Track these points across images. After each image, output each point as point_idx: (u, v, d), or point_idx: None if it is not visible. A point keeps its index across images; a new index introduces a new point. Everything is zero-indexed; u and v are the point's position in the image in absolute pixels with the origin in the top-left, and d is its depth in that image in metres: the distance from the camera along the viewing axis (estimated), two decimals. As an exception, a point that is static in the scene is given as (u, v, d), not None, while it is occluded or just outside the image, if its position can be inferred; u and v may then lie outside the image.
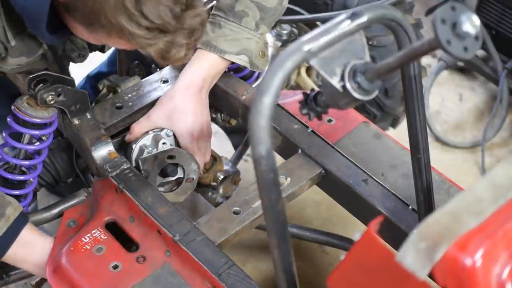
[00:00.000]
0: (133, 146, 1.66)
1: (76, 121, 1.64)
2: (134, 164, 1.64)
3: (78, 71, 2.23)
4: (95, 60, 2.23)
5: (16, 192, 1.61)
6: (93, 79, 2.27)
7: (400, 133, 2.11)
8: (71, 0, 1.28)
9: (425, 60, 3.06)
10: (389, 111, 2.31)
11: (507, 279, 0.87)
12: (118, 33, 1.28)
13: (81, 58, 1.72)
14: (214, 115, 1.91)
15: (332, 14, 2.00)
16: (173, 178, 1.67)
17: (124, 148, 1.72)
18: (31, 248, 1.51)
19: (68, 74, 1.63)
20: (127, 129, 1.75)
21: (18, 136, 1.62)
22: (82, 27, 1.33)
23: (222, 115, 1.91)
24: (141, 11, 1.22)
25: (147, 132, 1.66)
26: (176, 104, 1.65)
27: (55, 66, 1.65)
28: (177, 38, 1.30)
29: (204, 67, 1.66)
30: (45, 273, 1.54)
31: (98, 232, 1.49)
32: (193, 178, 1.67)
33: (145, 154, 1.64)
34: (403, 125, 1.57)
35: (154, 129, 1.66)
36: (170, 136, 1.67)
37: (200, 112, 1.67)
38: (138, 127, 1.67)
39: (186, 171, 1.66)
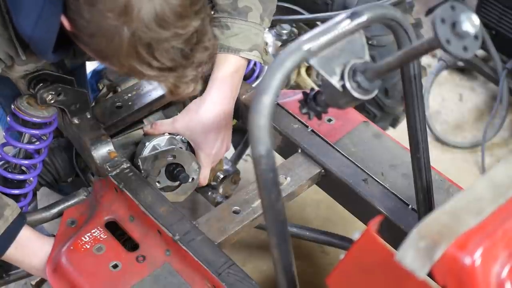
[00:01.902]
0: (146, 143, 1.66)
1: (76, 121, 1.64)
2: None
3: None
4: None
5: (16, 192, 1.62)
6: (99, 74, 2.27)
7: (400, 133, 2.12)
8: (83, 37, 1.27)
9: (425, 60, 3.06)
10: (389, 111, 2.32)
11: (506, 278, 0.87)
12: (129, 71, 1.28)
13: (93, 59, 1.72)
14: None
15: (331, 14, 2.00)
16: (178, 188, 1.67)
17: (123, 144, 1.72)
18: (29, 251, 1.51)
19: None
20: (126, 128, 1.75)
21: (18, 135, 1.62)
22: (92, 55, 1.34)
23: (222, 114, 1.91)
24: (153, 55, 1.22)
25: (163, 134, 1.66)
26: (201, 118, 1.63)
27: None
28: (186, 72, 1.30)
29: (231, 74, 1.65)
30: (43, 274, 1.54)
31: (98, 232, 1.49)
32: (193, 178, 1.67)
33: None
34: (403, 124, 1.57)
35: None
36: (185, 142, 1.68)
37: (224, 126, 1.67)
38: (160, 127, 1.67)
39: (187, 171, 1.65)
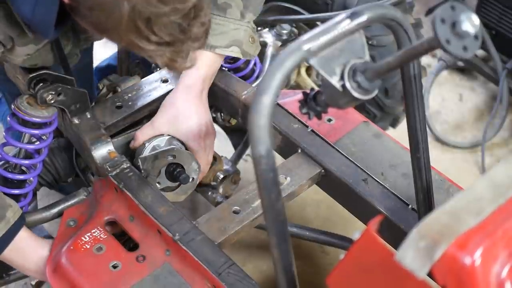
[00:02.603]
0: (146, 144, 1.65)
1: (76, 121, 1.64)
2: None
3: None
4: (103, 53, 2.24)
5: (16, 191, 1.61)
6: (102, 71, 2.27)
7: (400, 133, 2.12)
8: (81, 10, 1.26)
9: (425, 60, 3.06)
10: (389, 111, 2.31)
11: (506, 278, 0.87)
12: (128, 45, 1.28)
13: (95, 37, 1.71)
14: (214, 115, 1.91)
15: (331, 14, 2.00)
16: (178, 188, 1.67)
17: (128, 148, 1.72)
18: (24, 253, 1.52)
19: (70, 74, 1.62)
20: (127, 128, 1.75)
21: (18, 135, 1.62)
22: (89, 28, 1.34)
23: (222, 114, 1.91)
24: (152, 29, 1.22)
25: (162, 135, 1.66)
26: (178, 109, 1.66)
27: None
28: (183, 47, 1.31)
29: (202, 68, 1.66)
30: (38, 276, 1.55)
31: (98, 232, 1.49)
32: (193, 178, 1.67)
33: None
34: (403, 124, 1.57)
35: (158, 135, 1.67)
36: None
37: (204, 113, 1.68)
38: (141, 135, 1.67)
39: (187, 171, 1.65)
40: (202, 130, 1.66)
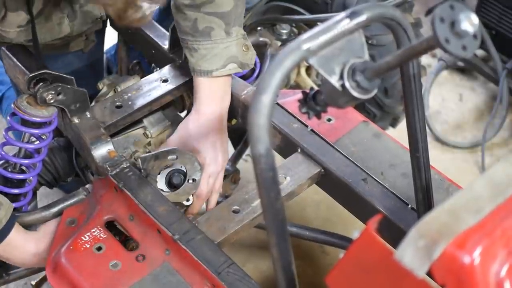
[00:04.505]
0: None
1: (76, 120, 1.64)
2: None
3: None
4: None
5: (16, 191, 1.62)
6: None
7: (399, 133, 2.12)
8: None
9: (425, 60, 3.06)
10: (388, 110, 2.32)
11: (506, 276, 0.87)
12: None
13: None
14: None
15: (332, 15, 1.99)
16: (180, 189, 1.67)
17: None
18: (11, 250, 1.51)
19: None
20: (126, 128, 1.75)
21: (18, 135, 1.63)
22: None
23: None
24: None
25: None
26: (190, 132, 1.67)
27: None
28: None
29: (210, 93, 1.67)
30: (25, 267, 1.57)
31: (98, 231, 1.49)
32: (194, 179, 1.67)
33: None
34: (403, 124, 1.58)
35: None
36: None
37: (219, 138, 1.68)
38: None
39: (188, 172, 1.65)
40: (207, 157, 1.67)
